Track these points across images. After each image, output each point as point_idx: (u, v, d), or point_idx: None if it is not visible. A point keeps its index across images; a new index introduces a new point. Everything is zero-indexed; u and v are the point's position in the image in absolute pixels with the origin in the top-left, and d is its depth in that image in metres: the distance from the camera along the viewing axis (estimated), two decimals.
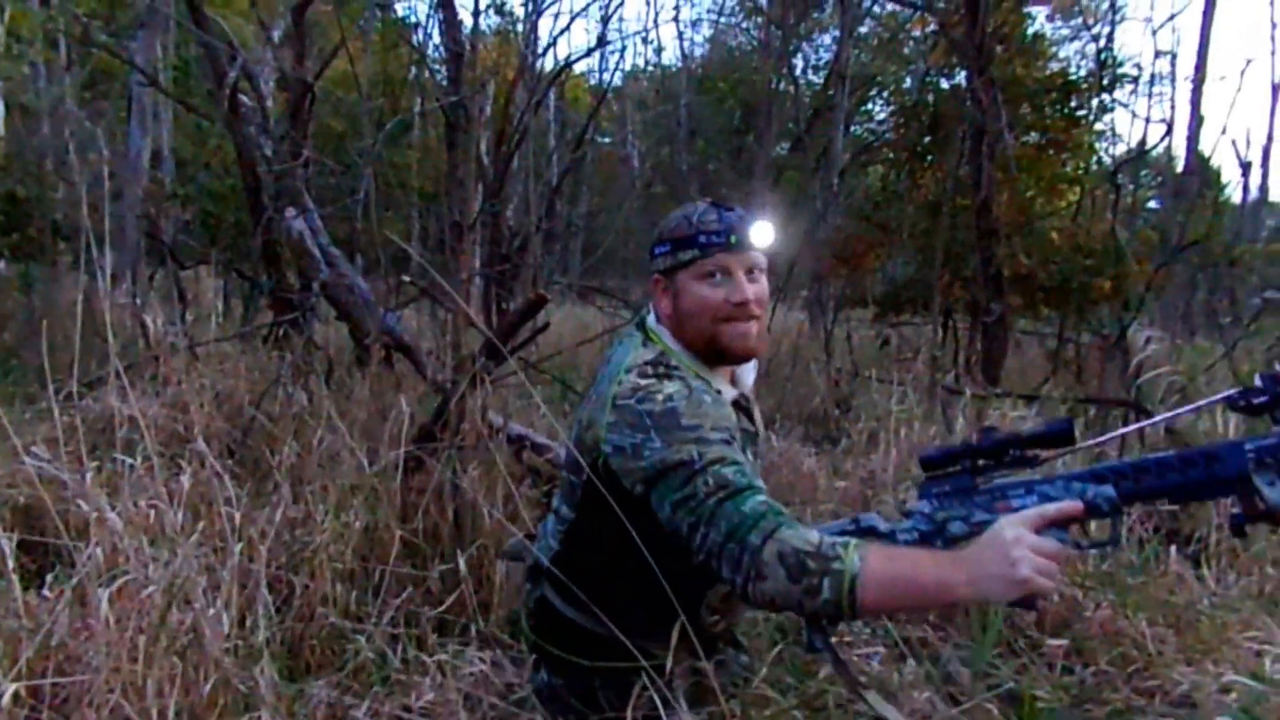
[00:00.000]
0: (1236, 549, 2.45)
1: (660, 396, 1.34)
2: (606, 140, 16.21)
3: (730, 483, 1.24)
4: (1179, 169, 11.07)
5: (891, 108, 9.86)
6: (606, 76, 13.32)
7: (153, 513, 1.63)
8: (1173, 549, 2.36)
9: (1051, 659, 1.88)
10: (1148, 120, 16.56)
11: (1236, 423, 2.94)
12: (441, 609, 1.90)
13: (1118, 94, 6.76)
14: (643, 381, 1.37)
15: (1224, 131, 9.49)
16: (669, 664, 1.25)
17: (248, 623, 1.61)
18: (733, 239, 1.45)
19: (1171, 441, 3.13)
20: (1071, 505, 1.13)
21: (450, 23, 5.13)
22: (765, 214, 1.52)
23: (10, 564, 1.46)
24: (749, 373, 1.58)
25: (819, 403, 4.61)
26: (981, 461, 1.26)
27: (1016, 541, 1.09)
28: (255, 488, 2.34)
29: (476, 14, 6.23)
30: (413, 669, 1.70)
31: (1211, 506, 2.57)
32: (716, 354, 1.47)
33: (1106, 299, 5.32)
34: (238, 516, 1.72)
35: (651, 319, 1.53)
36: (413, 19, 12.86)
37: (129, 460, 1.74)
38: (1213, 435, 3.07)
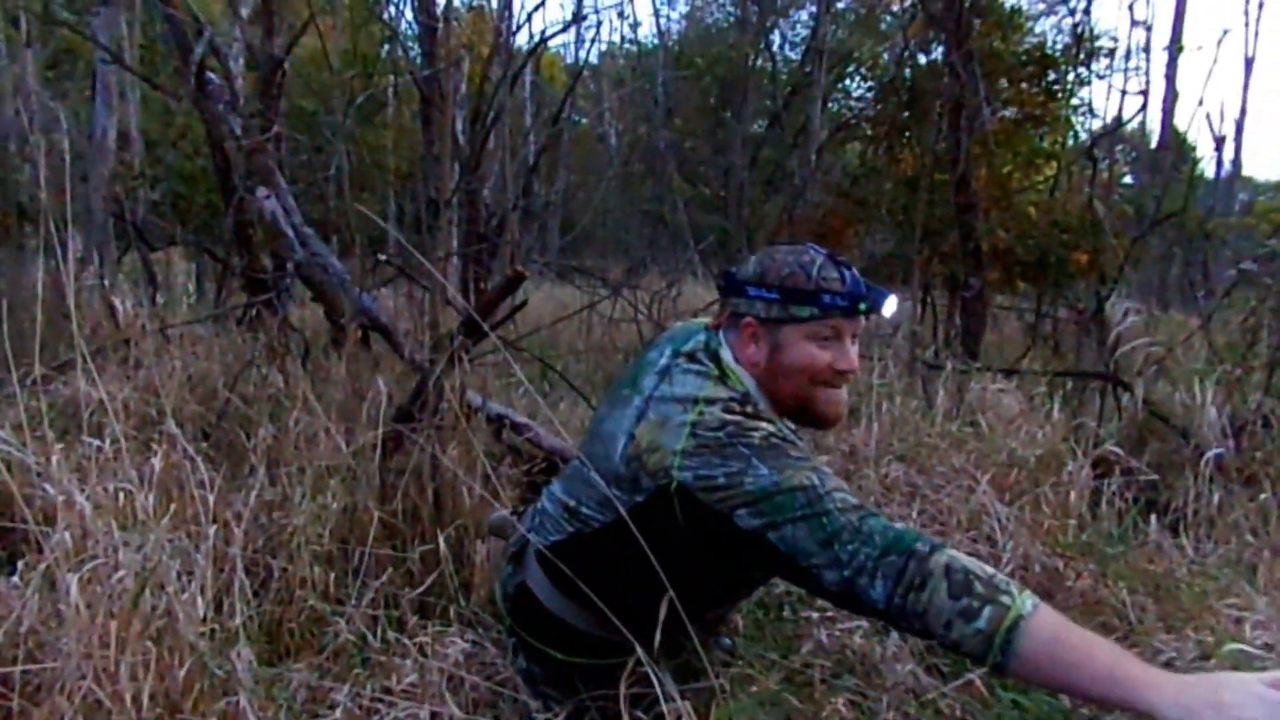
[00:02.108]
0: (1214, 518, 2.48)
1: (758, 434, 1.26)
2: (583, 119, 16.08)
3: (862, 504, 1.20)
4: (1154, 143, 11.13)
5: (869, 83, 9.84)
6: (582, 53, 13.17)
7: (122, 496, 1.59)
8: (1152, 518, 2.38)
9: None
10: (1124, 93, 16.59)
11: (1214, 394, 2.97)
12: (421, 590, 1.88)
13: (1094, 67, 6.78)
14: (730, 417, 1.28)
15: (1200, 104, 9.57)
16: (656, 639, 1.23)
17: (224, 607, 1.58)
18: (861, 306, 1.33)
19: (1150, 415, 3.15)
20: None
21: None
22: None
23: None
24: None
25: None
26: None
27: (1243, 684, 0.95)
28: (231, 471, 2.30)
29: None
30: (393, 651, 1.68)
31: (1189, 475, 2.60)
32: (804, 415, 1.40)
33: (1083, 273, 5.35)
34: (211, 499, 1.69)
35: (729, 356, 1.40)
36: None
37: (97, 443, 1.69)
38: (1190, 409, 3.09)
